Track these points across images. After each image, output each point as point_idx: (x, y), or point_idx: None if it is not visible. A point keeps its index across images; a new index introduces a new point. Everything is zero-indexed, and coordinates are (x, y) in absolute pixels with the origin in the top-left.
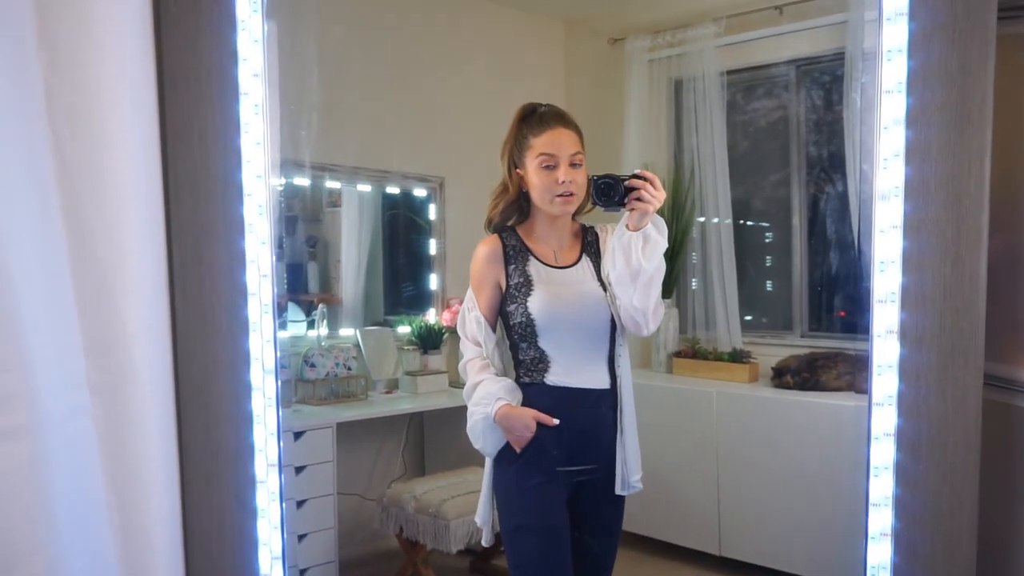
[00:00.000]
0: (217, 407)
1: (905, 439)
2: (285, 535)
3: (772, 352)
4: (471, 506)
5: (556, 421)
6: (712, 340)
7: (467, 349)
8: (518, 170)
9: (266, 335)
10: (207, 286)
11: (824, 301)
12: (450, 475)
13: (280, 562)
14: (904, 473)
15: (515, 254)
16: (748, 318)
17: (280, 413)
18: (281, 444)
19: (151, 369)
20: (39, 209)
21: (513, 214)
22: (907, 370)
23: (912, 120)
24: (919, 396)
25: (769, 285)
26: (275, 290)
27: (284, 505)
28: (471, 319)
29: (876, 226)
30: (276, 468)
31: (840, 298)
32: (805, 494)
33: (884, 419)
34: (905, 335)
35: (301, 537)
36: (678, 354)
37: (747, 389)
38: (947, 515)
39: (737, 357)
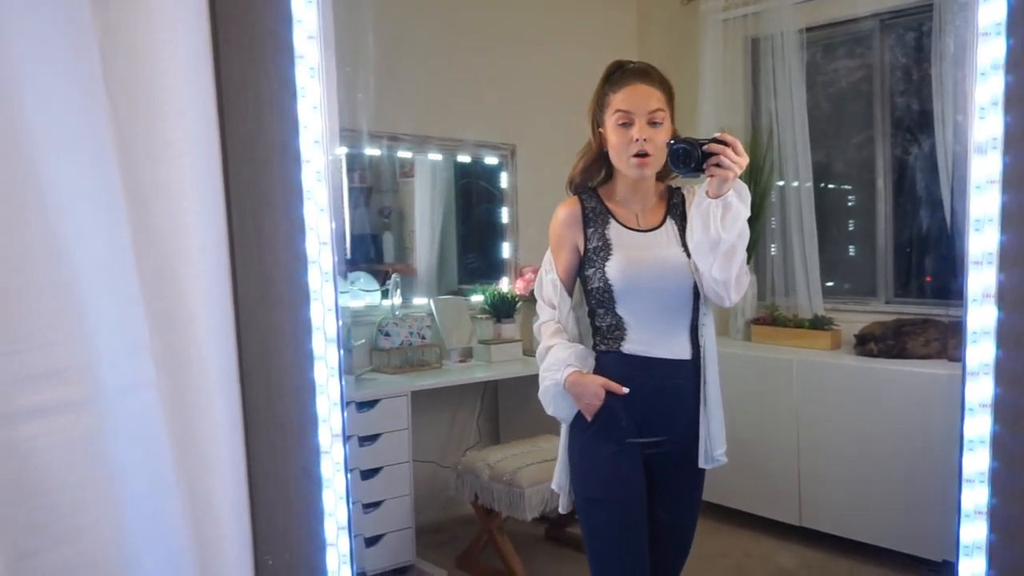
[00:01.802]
0: (280, 377)
1: (1003, 410)
2: (351, 505)
3: (855, 319)
4: (546, 474)
5: (626, 390)
6: (792, 307)
7: (542, 311)
8: (600, 129)
9: (327, 303)
10: (267, 255)
11: (910, 265)
12: (524, 443)
13: (346, 532)
14: (1002, 447)
15: (594, 216)
16: (830, 284)
17: (343, 382)
18: (345, 414)
19: (214, 339)
20: (98, 181)
21: (595, 174)
22: (1005, 336)
23: (1013, 64)
24: (1019, 364)
25: (852, 250)
26: (335, 258)
27: (349, 476)
28: (547, 282)
29: (971, 182)
30: (340, 438)
31: (927, 261)
32: (889, 464)
33: (980, 389)
34: (1003, 298)
35: (377, 504)
36: (756, 321)
37: (829, 357)
38: None
39: (818, 324)
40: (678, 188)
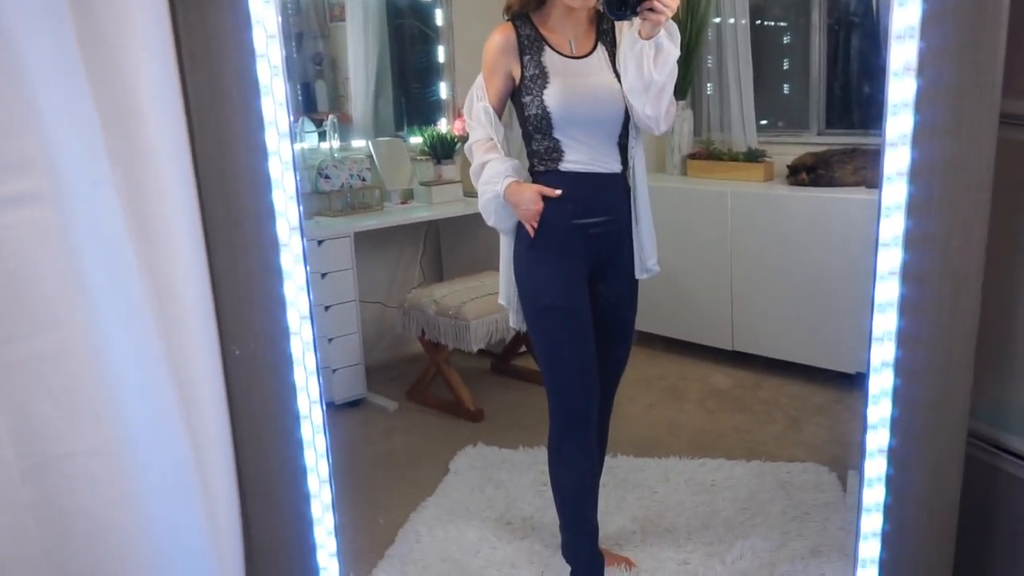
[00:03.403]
0: (236, 172)
1: (913, 239)
2: (311, 296)
3: (788, 151)
4: (490, 307)
5: (558, 192)
6: (727, 141)
7: (473, 131)
8: None
9: (278, 99)
10: (214, 48)
11: (839, 98)
12: (468, 279)
13: (308, 321)
14: (910, 273)
15: (530, 44)
16: (764, 122)
17: (298, 176)
18: (301, 208)
19: (167, 138)
20: None
21: (531, 3)
22: (917, 173)
23: None
24: (928, 195)
25: (786, 88)
26: (291, 118)
27: (308, 268)
28: (479, 108)
29: (893, 32)
30: (298, 231)
31: (858, 94)
32: (814, 288)
33: (893, 225)
34: (917, 139)
35: (328, 340)
36: (692, 156)
37: (762, 188)
38: (956, 250)
39: (752, 156)
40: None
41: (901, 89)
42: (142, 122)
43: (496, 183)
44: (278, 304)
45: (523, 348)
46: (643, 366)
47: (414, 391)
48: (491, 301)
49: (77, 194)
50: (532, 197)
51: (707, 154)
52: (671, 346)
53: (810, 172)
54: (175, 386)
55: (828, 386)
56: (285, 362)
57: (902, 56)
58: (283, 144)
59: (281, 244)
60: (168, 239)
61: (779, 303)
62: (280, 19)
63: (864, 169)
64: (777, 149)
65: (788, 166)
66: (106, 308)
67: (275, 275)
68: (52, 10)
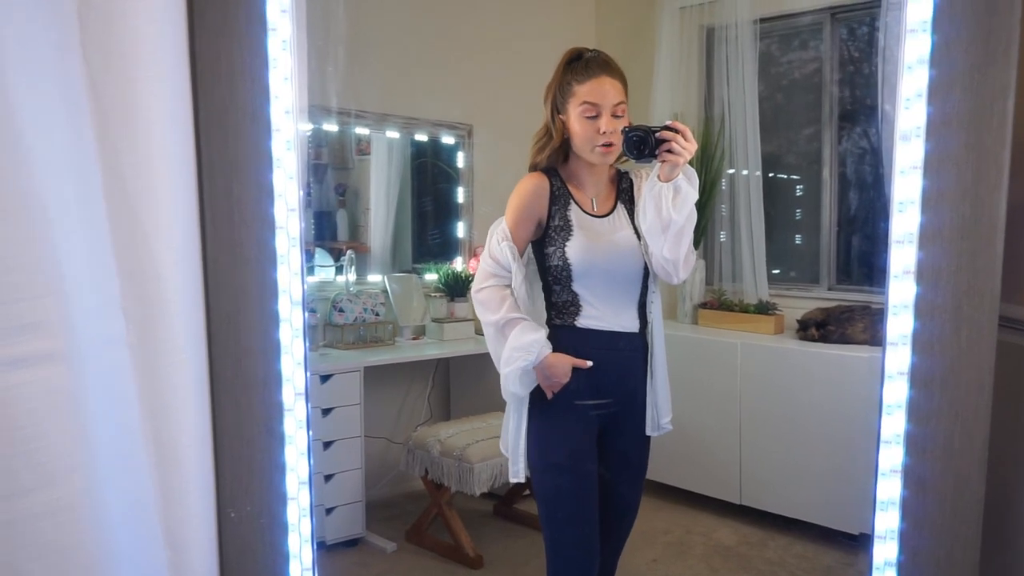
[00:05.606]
0: (246, 337)
1: (919, 377)
2: (312, 460)
3: (799, 305)
4: (495, 450)
5: (589, 363)
6: (738, 292)
7: (487, 277)
8: (561, 116)
9: (294, 268)
10: (236, 219)
11: (852, 254)
12: (475, 420)
13: (307, 487)
14: (916, 410)
15: (559, 195)
16: (776, 271)
17: (307, 343)
18: (308, 374)
19: (183, 299)
20: (74, 141)
21: (557, 160)
22: (922, 309)
23: (936, 59)
24: (933, 335)
25: (798, 239)
26: (303, 224)
27: (311, 432)
28: (505, 247)
29: (896, 167)
30: (303, 397)
31: (866, 248)
32: (826, 445)
33: (898, 358)
34: (921, 274)
35: (328, 477)
36: (704, 305)
37: (772, 341)
38: (957, 452)
39: (763, 309)
40: (626, 172)
41: (902, 256)
42: (160, 282)
43: (531, 352)
44: (278, 469)
45: (527, 491)
46: (649, 517)
47: (413, 532)
48: (497, 444)
49: (90, 353)
50: (567, 372)
51: (718, 304)
52: (678, 496)
53: (820, 328)
54: (167, 547)
55: (836, 547)
56: (280, 529)
57: (903, 226)
58: (295, 312)
59: (285, 409)
60: (175, 398)
61: (787, 459)
62: (302, 225)
63: (873, 328)
64: (787, 302)
65: (798, 321)
66: (106, 468)
67: (278, 439)
68: (82, 169)
